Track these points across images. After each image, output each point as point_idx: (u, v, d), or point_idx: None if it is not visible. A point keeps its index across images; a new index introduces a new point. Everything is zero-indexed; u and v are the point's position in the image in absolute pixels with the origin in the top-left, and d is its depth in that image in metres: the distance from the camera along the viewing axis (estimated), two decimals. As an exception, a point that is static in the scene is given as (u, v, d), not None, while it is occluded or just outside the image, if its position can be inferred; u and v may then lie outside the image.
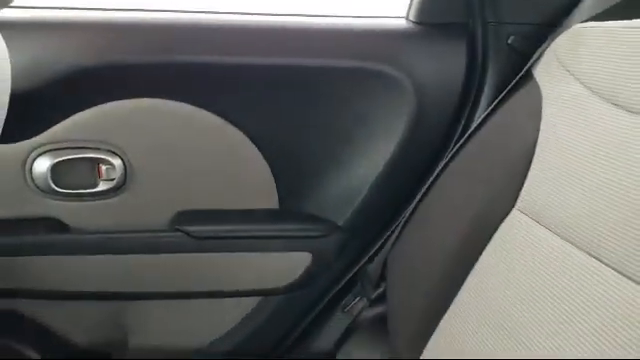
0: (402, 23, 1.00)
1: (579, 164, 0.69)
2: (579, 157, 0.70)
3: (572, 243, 0.65)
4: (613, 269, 0.58)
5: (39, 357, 0.99)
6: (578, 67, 0.76)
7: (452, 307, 0.80)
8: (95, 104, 0.92)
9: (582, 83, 0.75)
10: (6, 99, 0.68)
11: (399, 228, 0.95)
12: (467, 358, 0.74)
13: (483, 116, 0.90)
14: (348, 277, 1.06)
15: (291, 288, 1.04)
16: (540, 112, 0.80)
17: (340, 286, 1.07)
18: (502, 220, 0.77)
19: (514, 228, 0.76)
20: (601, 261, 0.60)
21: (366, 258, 1.05)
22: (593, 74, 0.73)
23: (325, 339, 1.06)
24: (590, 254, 0.62)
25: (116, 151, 0.95)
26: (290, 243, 1.02)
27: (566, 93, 0.77)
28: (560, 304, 0.63)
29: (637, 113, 0.63)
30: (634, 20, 0.76)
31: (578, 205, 0.66)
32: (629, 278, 0.56)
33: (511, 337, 0.69)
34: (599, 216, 0.62)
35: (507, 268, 0.74)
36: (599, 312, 0.57)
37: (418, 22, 0.99)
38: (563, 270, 0.65)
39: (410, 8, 1.00)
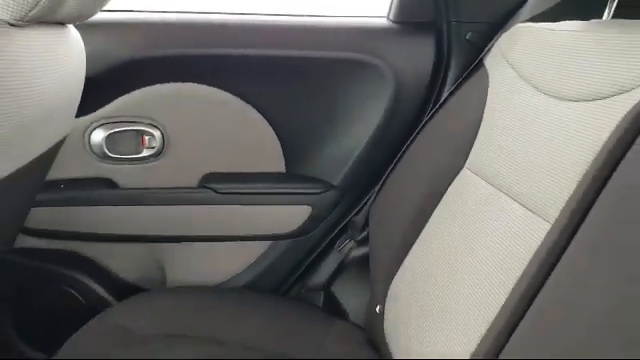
0: (383, 21, 1.22)
1: (508, 133, 0.91)
2: (509, 128, 0.91)
3: (499, 189, 0.87)
4: (524, 207, 0.80)
5: (103, 291, 1.21)
6: (513, 58, 0.97)
7: (414, 246, 1.01)
8: (140, 87, 1.13)
9: (515, 70, 0.96)
10: (82, 85, 0.89)
11: (380, 186, 1.17)
12: (419, 283, 0.95)
13: (446, 96, 1.12)
14: (340, 225, 1.28)
15: (295, 234, 1.26)
16: (487, 93, 1.01)
17: (334, 232, 1.28)
18: (455, 176, 0.99)
19: (463, 181, 0.97)
20: (517, 201, 0.82)
21: (355, 210, 1.27)
22: (523, 64, 0.94)
23: (322, 274, 1.28)
24: (509, 196, 0.83)
25: (156, 125, 1.17)
26: (294, 198, 1.24)
27: (504, 78, 0.98)
28: (486, 236, 0.84)
29: (551, 96, 0.84)
30: (555, 23, 0.97)
31: (507, 163, 0.88)
32: (533, 212, 0.77)
33: (449, 265, 0.90)
34: (519, 171, 0.84)
35: (454, 212, 0.95)
36: (512, 239, 0.78)
37: (396, 21, 1.21)
38: (490, 210, 0.86)
39: (390, 9, 1.22)
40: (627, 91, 0.68)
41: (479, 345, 0.70)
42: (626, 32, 0.76)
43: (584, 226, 0.62)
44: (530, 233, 0.72)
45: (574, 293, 0.59)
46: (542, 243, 0.67)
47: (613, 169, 0.62)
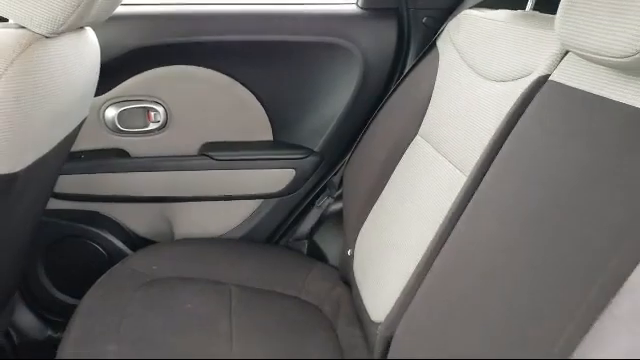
0: (353, 8, 1.38)
1: (450, 106, 1.08)
2: (451, 101, 1.08)
3: (440, 152, 1.04)
4: (454, 166, 0.98)
5: (121, 244, 1.40)
6: (458, 41, 1.14)
7: (377, 201, 1.19)
8: (146, 70, 1.30)
9: (459, 53, 1.12)
10: (98, 74, 1.06)
11: (352, 151, 1.34)
12: (377, 233, 1.13)
13: (405, 73, 1.28)
14: (320, 185, 1.46)
15: (282, 193, 1.44)
16: (437, 71, 1.18)
17: (315, 191, 1.47)
18: (409, 143, 1.16)
19: (415, 146, 1.15)
20: (451, 162, 0.99)
21: (333, 172, 1.45)
22: (464, 47, 1.11)
23: (305, 226, 1.47)
24: (446, 158, 1.02)
25: (160, 102, 1.34)
26: (280, 163, 1.41)
27: (450, 59, 1.15)
28: (424, 193, 1.02)
29: (481, 76, 1.00)
30: (491, 11, 1.12)
31: (446, 131, 1.05)
32: (460, 170, 0.95)
33: (397, 218, 1.08)
34: (454, 137, 1.01)
35: (407, 172, 1.13)
36: (442, 193, 0.95)
37: (364, 7, 1.37)
38: (432, 170, 1.04)
39: (360, -5, 1.38)
40: (525, 76, 0.85)
41: (406, 284, 0.89)
42: (531, 26, 0.93)
43: (486, 177, 0.80)
44: (455, 187, 0.90)
45: (470, 240, 0.77)
46: (458, 194, 0.85)
47: (508, 134, 0.80)
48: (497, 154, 0.79)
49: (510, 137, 0.79)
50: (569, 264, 0.56)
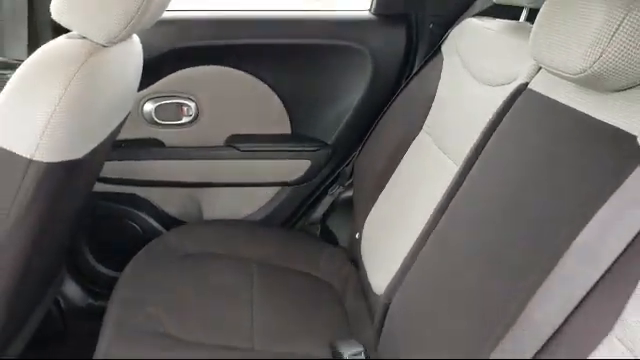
0: (366, 14, 1.51)
1: (450, 106, 1.20)
2: (452, 103, 1.20)
3: (441, 149, 1.17)
4: (451, 160, 1.10)
5: (156, 223, 1.55)
6: (460, 48, 1.26)
7: (383, 190, 1.32)
8: (179, 69, 1.45)
9: (460, 58, 1.24)
10: (141, 72, 1.20)
11: (362, 145, 1.47)
12: (383, 217, 1.26)
13: (412, 74, 1.40)
14: (333, 175, 1.59)
15: (298, 182, 1.58)
16: (440, 73, 1.31)
17: (329, 181, 1.60)
18: (414, 138, 1.29)
19: (419, 141, 1.28)
20: (449, 157, 1.12)
21: (345, 163, 1.58)
22: (466, 53, 1.23)
23: (319, 212, 1.61)
24: (444, 152, 1.14)
25: (192, 98, 1.49)
26: (297, 154, 1.55)
27: (453, 63, 1.27)
28: (423, 183, 1.15)
29: (477, 80, 1.12)
30: (491, 21, 1.24)
31: (446, 128, 1.17)
32: (454, 162, 1.08)
33: (401, 206, 1.21)
34: (452, 134, 1.14)
35: (411, 165, 1.26)
36: (437, 183, 1.07)
37: (376, 14, 1.50)
38: (432, 164, 1.17)
39: (372, 4, 1.51)
40: (510, 82, 0.98)
41: (403, 261, 1.02)
42: (519, 37, 1.05)
43: (473, 169, 0.93)
44: (449, 177, 1.03)
45: (456, 222, 0.90)
46: (449, 183, 0.97)
47: (492, 133, 0.92)
48: (482, 149, 0.92)
49: (493, 136, 0.91)
50: (530, 237, 0.69)
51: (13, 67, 1.32)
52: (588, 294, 0.58)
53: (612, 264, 0.57)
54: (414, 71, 1.44)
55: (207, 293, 1.20)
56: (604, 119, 0.66)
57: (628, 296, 0.56)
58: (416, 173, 1.21)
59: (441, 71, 1.31)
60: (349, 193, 1.55)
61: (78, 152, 0.91)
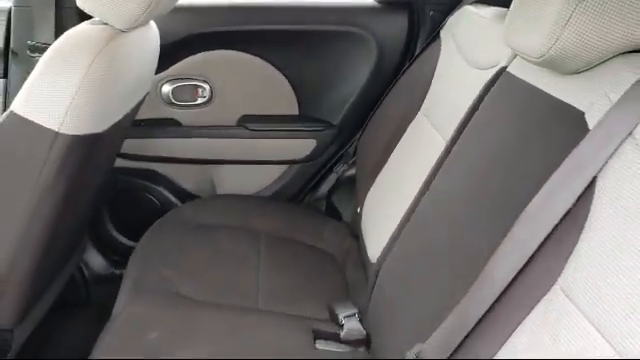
0: (371, 2, 1.59)
1: (445, 88, 1.27)
2: (446, 85, 1.27)
3: (434, 127, 1.24)
4: (441, 137, 1.17)
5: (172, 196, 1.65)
6: (456, 34, 1.32)
7: (383, 168, 1.40)
8: (195, 54, 1.54)
9: (456, 44, 1.31)
10: (158, 55, 1.29)
11: (365, 125, 1.55)
12: (381, 194, 1.34)
13: (413, 60, 1.47)
14: (338, 154, 1.68)
15: (305, 160, 1.67)
16: (438, 58, 1.37)
17: (334, 159, 1.69)
18: (412, 119, 1.36)
19: (417, 122, 1.35)
20: (442, 136, 1.19)
21: (349, 143, 1.66)
22: (461, 39, 1.29)
23: (324, 188, 1.70)
24: (438, 131, 1.21)
25: (206, 80, 1.58)
26: (304, 134, 1.64)
27: (449, 49, 1.34)
28: (417, 161, 1.22)
29: (468, 64, 1.19)
30: (486, 8, 1.29)
31: (441, 109, 1.25)
32: (443, 138, 1.15)
33: (396, 183, 1.28)
34: (444, 114, 1.21)
35: (409, 144, 1.33)
36: (429, 156, 1.15)
37: (380, 1, 1.57)
38: (428, 143, 1.23)
39: (377, -10, 1.57)
40: (493, 66, 1.04)
41: (394, 229, 1.10)
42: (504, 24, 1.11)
43: (456, 145, 1.00)
44: (436, 154, 1.10)
45: (441, 193, 0.98)
46: (437, 158, 1.05)
47: (474, 112, 1.00)
48: (465, 128, 0.99)
49: (475, 115, 0.99)
50: (494, 205, 0.77)
51: (41, 50, 1.43)
52: (536, 252, 0.66)
53: (555, 226, 0.64)
54: (415, 56, 1.51)
55: (217, 259, 1.30)
56: (562, 98, 0.73)
57: (570, 253, 0.64)
58: (411, 150, 1.28)
59: (439, 56, 1.37)
60: (352, 171, 1.63)
61: (99, 127, 1.01)
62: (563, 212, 0.64)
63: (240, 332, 1.06)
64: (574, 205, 0.64)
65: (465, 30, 1.28)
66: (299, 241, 1.46)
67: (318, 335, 1.08)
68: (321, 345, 1.06)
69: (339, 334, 1.09)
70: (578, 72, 0.73)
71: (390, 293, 1.00)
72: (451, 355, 0.71)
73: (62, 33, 1.01)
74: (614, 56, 0.70)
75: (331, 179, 1.69)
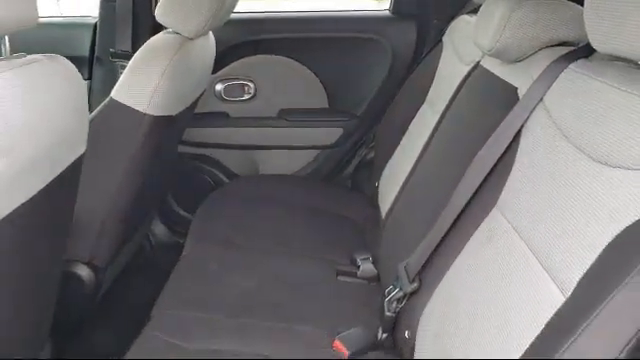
0: (386, 13, 1.88)
1: (444, 82, 1.54)
2: (444, 79, 1.54)
3: (434, 113, 1.51)
4: (436, 117, 1.44)
5: (223, 176, 1.96)
6: (453, 40, 1.60)
7: (397, 149, 1.67)
8: (243, 57, 1.86)
9: (452, 45, 1.58)
10: (214, 59, 1.61)
11: (383, 117, 1.83)
12: (395, 171, 1.62)
13: (420, 61, 1.75)
14: (361, 140, 1.97)
15: (333, 146, 1.97)
16: (440, 59, 1.65)
17: (358, 145, 1.98)
18: (418, 109, 1.64)
19: (421, 113, 1.62)
20: (434, 114, 1.46)
21: (370, 131, 1.95)
22: (456, 44, 1.57)
23: (349, 169, 1.99)
24: (435, 114, 1.48)
25: (252, 79, 1.90)
26: (332, 123, 1.95)
27: (447, 52, 1.62)
28: (422, 136, 1.50)
29: (463, 63, 1.46)
30: (475, 17, 1.56)
31: (443, 98, 1.51)
32: (436, 118, 1.42)
33: (409, 161, 1.56)
34: (438, 101, 1.48)
35: (414, 132, 1.60)
36: (427, 133, 1.43)
37: (394, 12, 1.86)
38: (426, 123, 1.50)
39: (390, 4, 1.86)
40: (474, 60, 1.31)
41: (397, 192, 1.38)
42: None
43: (443, 121, 1.28)
44: (430, 126, 1.38)
45: (430, 159, 1.26)
46: (430, 133, 1.33)
47: (457, 94, 1.27)
48: (448, 110, 1.27)
49: (457, 98, 1.26)
50: (458, 165, 1.04)
51: (121, 56, 1.78)
52: (482, 184, 0.93)
53: (495, 164, 0.92)
54: (422, 58, 1.79)
55: (260, 220, 1.60)
56: (506, 79, 1.01)
57: (504, 183, 0.91)
58: (416, 132, 1.56)
59: (440, 57, 1.65)
60: (372, 154, 1.91)
61: (173, 111, 1.33)
62: (500, 154, 0.92)
63: (277, 267, 1.35)
64: (508, 148, 0.91)
65: (460, 35, 1.56)
66: (328, 210, 1.75)
67: (340, 272, 1.37)
68: (342, 278, 1.35)
69: (356, 272, 1.38)
70: (517, 60, 1.01)
71: (393, 236, 1.28)
72: (426, 260, 0.99)
73: (138, 43, 1.34)
74: (540, 49, 0.97)
75: (355, 161, 1.99)
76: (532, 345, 0.61)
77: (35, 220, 0.88)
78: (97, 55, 1.88)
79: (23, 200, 0.78)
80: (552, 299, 0.64)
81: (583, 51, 0.89)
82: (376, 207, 1.72)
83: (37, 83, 0.80)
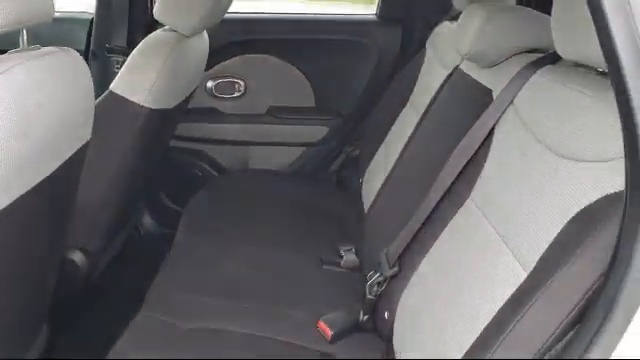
0: (373, 17, 1.96)
1: (425, 84, 1.62)
2: (426, 82, 1.63)
3: (416, 113, 1.59)
4: (418, 116, 1.53)
5: (212, 170, 2.01)
6: (434, 45, 1.68)
7: (381, 146, 1.75)
8: (233, 56, 1.93)
9: (434, 50, 1.67)
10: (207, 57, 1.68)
11: (367, 116, 1.92)
12: (380, 165, 1.70)
13: (405, 64, 1.83)
14: (346, 139, 2.04)
15: (319, 143, 2.05)
16: (423, 62, 1.73)
17: (342, 143, 2.05)
18: (403, 107, 1.72)
19: (405, 111, 1.70)
20: (416, 114, 1.54)
21: (354, 130, 2.02)
22: (437, 46, 1.65)
23: (335, 165, 2.07)
24: (418, 116, 1.56)
25: (242, 77, 1.97)
26: (319, 122, 2.02)
27: (430, 55, 1.70)
28: (404, 135, 1.58)
29: (441, 66, 1.54)
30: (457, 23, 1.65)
31: (422, 98, 1.60)
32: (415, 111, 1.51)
33: (387, 151, 1.64)
34: (420, 103, 1.56)
35: (395, 128, 1.69)
36: (409, 131, 1.51)
37: (380, 16, 1.94)
38: (409, 123, 1.58)
39: (377, 9, 1.94)
40: (456, 65, 1.39)
41: (380, 188, 1.46)
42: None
43: (424, 120, 1.36)
44: (412, 125, 1.46)
45: (410, 155, 1.34)
46: (412, 130, 1.41)
47: (438, 95, 1.35)
48: (429, 109, 1.35)
49: (436, 101, 1.35)
50: (437, 158, 1.12)
51: (116, 52, 1.83)
52: (459, 176, 1.02)
53: (470, 158, 1.00)
54: (406, 61, 1.87)
55: (248, 213, 1.66)
56: (482, 82, 1.10)
57: (479, 174, 0.99)
58: (398, 130, 1.65)
59: (423, 61, 1.74)
60: (357, 152, 1.99)
61: (170, 104, 1.39)
62: (474, 150, 1.00)
63: (265, 256, 1.42)
64: (481, 145, 1.00)
65: (441, 40, 1.64)
66: (313, 204, 1.82)
67: (324, 261, 1.44)
68: (326, 267, 1.42)
69: (339, 262, 1.45)
70: (493, 65, 1.09)
71: (375, 227, 1.36)
72: (405, 247, 1.07)
73: (133, 39, 1.40)
74: (513, 55, 1.06)
75: (340, 158, 2.07)
76: (495, 316, 0.69)
77: (42, 204, 0.94)
78: (92, 49, 1.93)
79: (33, 184, 0.84)
80: (516, 276, 0.72)
81: (550, 58, 0.98)
82: (360, 202, 1.80)
83: (51, 73, 0.86)
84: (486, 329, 0.69)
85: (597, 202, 0.63)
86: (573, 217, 0.66)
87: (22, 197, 0.81)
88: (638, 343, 0.55)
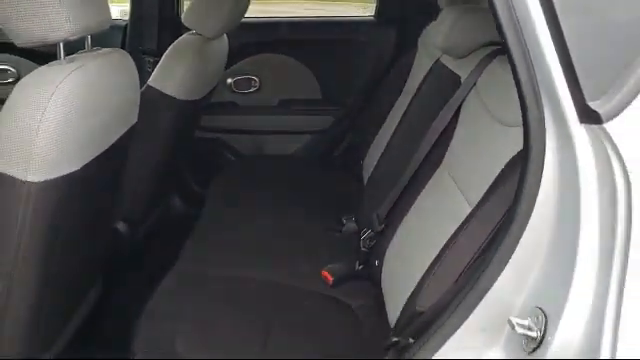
0: (371, 18, 2.17)
1: (415, 76, 1.83)
2: (416, 74, 1.83)
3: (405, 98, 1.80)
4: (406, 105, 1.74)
5: (231, 156, 2.24)
6: (424, 42, 1.89)
7: (378, 133, 1.96)
8: (249, 56, 2.16)
9: (424, 46, 1.88)
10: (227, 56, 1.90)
11: (368, 106, 2.12)
12: (377, 149, 1.91)
13: (399, 60, 2.04)
14: (349, 127, 2.25)
15: (324, 131, 2.26)
16: (414, 59, 1.93)
17: (345, 131, 2.26)
18: (397, 98, 1.92)
19: (399, 101, 1.90)
20: (405, 103, 1.75)
21: (356, 119, 2.23)
22: (426, 43, 1.85)
23: (338, 151, 2.28)
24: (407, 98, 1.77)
25: (257, 74, 2.19)
26: (324, 112, 2.25)
27: (420, 53, 1.90)
28: (395, 118, 1.79)
29: (429, 59, 1.75)
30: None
31: (409, 88, 1.81)
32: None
33: (384, 135, 1.85)
34: (410, 91, 1.77)
35: (392, 116, 1.90)
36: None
37: (377, 17, 2.16)
38: (400, 112, 1.80)
39: (375, 10, 2.16)
40: (435, 59, 1.60)
41: (375, 165, 1.67)
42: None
43: (411, 105, 1.57)
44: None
45: (402, 133, 1.56)
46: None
47: (422, 85, 1.56)
48: (415, 96, 1.56)
49: (421, 88, 1.56)
50: (420, 139, 1.33)
51: (147, 53, 2.06)
52: (432, 148, 1.23)
53: (442, 132, 1.21)
54: (401, 57, 2.07)
55: (263, 191, 1.88)
56: (454, 70, 1.31)
57: (449, 145, 1.20)
58: (393, 116, 1.85)
59: (415, 58, 1.94)
60: (358, 138, 2.19)
61: (197, 96, 1.62)
62: (445, 125, 1.21)
63: (278, 223, 1.64)
64: (452, 119, 1.21)
65: (429, 38, 1.85)
66: (319, 183, 2.03)
67: (328, 228, 1.66)
68: (330, 232, 1.64)
69: (341, 229, 1.67)
70: (463, 56, 1.30)
71: (370, 196, 1.58)
72: (391, 207, 1.28)
73: (163, 42, 1.61)
74: (479, 47, 1.27)
75: (343, 145, 2.28)
76: (446, 241, 0.90)
77: (103, 172, 1.16)
78: (128, 51, 2.15)
79: (97, 153, 1.07)
80: (464, 211, 0.94)
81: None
82: (360, 181, 2.01)
83: (111, 68, 1.09)
84: (441, 250, 0.90)
85: (516, 155, 0.84)
86: (503, 168, 0.87)
87: (90, 162, 1.04)
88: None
